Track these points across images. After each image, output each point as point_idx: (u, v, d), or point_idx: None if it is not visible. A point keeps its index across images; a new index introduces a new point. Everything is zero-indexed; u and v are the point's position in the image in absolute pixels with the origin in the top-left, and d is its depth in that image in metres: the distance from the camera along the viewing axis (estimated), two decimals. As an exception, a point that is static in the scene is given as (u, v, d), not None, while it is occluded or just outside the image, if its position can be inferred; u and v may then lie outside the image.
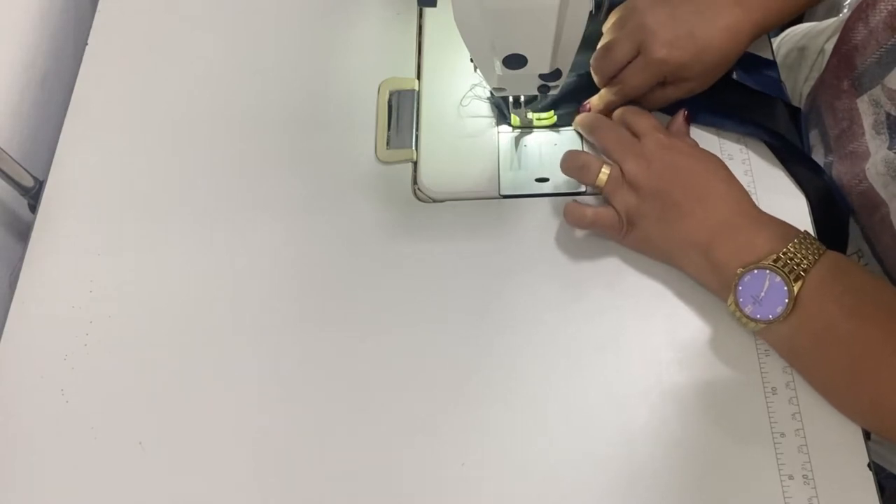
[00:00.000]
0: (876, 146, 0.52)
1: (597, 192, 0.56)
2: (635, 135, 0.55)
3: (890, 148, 0.50)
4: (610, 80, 0.57)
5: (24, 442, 0.52)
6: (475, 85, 0.62)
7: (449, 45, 0.63)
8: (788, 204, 0.55)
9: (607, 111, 0.58)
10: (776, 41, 0.76)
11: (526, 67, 0.48)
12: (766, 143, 0.57)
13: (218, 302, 0.56)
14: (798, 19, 0.84)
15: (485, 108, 0.61)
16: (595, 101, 0.58)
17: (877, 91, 0.51)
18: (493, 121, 0.60)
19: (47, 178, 0.62)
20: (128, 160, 0.62)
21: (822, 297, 0.47)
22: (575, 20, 0.45)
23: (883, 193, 0.52)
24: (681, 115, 0.56)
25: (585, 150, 0.58)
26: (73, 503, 0.51)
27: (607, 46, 0.55)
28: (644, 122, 0.55)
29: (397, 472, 0.50)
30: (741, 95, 0.58)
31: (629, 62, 0.55)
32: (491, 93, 0.61)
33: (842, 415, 0.48)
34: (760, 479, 0.47)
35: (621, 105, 0.57)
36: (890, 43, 0.49)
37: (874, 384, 0.46)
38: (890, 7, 0.49)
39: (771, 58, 0.61)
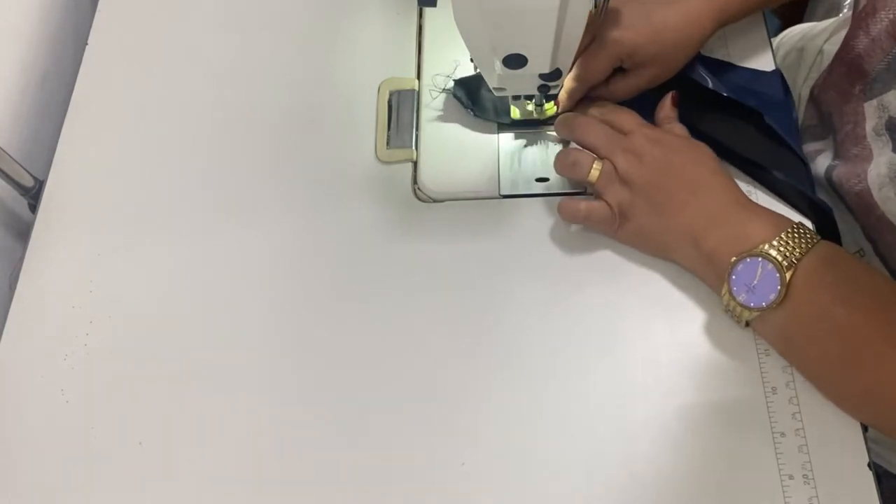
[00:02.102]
0: (879, 148, 0.52)
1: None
2: (620, 130, 0.55)
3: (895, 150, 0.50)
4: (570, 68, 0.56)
5: (25, 442, 0.52)
6: (437, 75, 0.62)
7: (449, 45, 0.63)
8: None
9: (573, 102, 0.58)
10: (775, 42, 0.76)
11: (526, 67, 0.48)
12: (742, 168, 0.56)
13: (218, 301, 0.56)
14: (797, 19, 0.84)
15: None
16: (562, 95, 0.57)
17: (889, 96, 0.50)
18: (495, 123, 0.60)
19: (47, 178, 0.61)
20: (128, 160, 0.62)
21: (815, 285, 0.47)
22: (575, 20, 0.45)
23: (876, 195, 0.52)
24: (668, 100, 0.56)
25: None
26: (73, 503, 0.51)
27: None
28: (628, 118, 0.55)
29: (397, 472, 0.50)
30: (711, 113, 0.57)
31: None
32: (454, 83, 0.61)
33: (842, 414, 0.48)
34: (760, 479, 0.47)
35: (583, 93, 0.57)
36: (895, 51, 0.49)
37: (867, 373, 0.46)
38: (891, 16, 0.49)
39: (772, 66, 0.60)
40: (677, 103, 0.56)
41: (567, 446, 0.49)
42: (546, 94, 0.54)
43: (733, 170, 0.56)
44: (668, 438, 0.49)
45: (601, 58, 0.54)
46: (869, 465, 0.47)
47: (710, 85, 0.57)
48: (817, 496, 0.47)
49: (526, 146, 0.60)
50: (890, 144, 0.51)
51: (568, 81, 0.57)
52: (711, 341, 0.51)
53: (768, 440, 0.48)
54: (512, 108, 0.59)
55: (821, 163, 0.60)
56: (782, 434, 0.48)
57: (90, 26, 0.68)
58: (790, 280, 0.47)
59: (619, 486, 0.48)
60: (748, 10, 0.56)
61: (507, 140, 0.60)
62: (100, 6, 0.69)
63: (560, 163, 0.55)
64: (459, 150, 0.60)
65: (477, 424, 0.50)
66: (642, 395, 0.50)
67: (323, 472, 0.50)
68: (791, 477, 0.47)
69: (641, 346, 0.52)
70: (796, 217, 0.54)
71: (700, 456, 0.48)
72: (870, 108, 0.53)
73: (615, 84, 0.57)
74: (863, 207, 0.54)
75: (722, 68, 0.59)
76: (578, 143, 0.56)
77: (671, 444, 0.49)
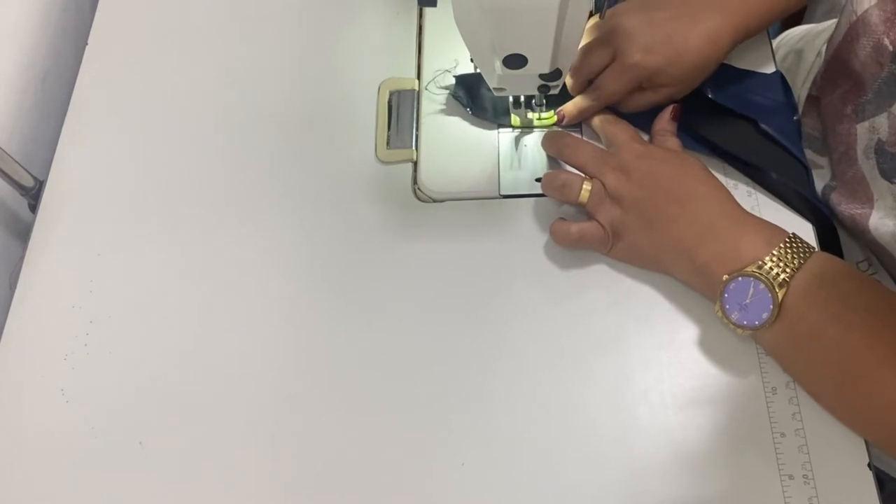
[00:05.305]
0: (868, 169, 0.52)
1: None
2: (611, 144, 0.55)
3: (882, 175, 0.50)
4: (586, 86, 0.56)
5: (25, 442, 0.52)
6: (438, 71, 0.62)
7: (449, 45, 0.63)
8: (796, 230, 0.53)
9: (582, 118, 0.57)
10: (774, 43, 0.76)
11: (526, 67, 0.48)
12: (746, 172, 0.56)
13: (217, 301, 0.56)
14: (797, 21, 0.84)
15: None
16: (569, 107, 0.57)
17: (881, 118, 0.50)
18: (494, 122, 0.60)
19: (47, 178, 0.62)
20: (128, 160, 0.62)
21: (808, 304, 0.46)
22: (575, 20, 0.45)
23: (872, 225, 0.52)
24: (667, 113, 0.56)
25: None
26: (73, 503, 0.51)
27: (583, 51, 0.55)
28: (620, 132, 0.55)
29: (397, 472, 0.50)
30: (718, 123, 0.57)
31: (605, 67, 0.55)
32: (455, 79, 0.61)
33: (841, 415, 0.48)
34: (760, 479, 0.47)
35: (597, 111, 0.57)
36: (883, 75, 0.49)
37: (859, 391, 0.46)
38: (873, 42, 0.49)
39: (773, 68, 0.60)
40: (677, 117, 0.56)
41: (567, 445, 0.49)
42: (546, 94, 0.54)
43: (735, 172, 0.56)
44: (668, 438, 0.49)
45: (622, 81, 0.54)
46: (869, 465, 0.47)
47: (710, 95, 0.56)
48: (817, 496, 0.47)
49: (526, 146, 0.60)
50: (876, 168, 0.50)
51: (582, 99, 0.56)
52: (711, 341, 0.51)
53: (768, 440, 0.48)
54: (512, 116, 0.59)
55: (818, 182, 0.59)
56: (782, 434, 0.48)
57: (90, 26, 0.68)
58: (783, 299, 0.46)
59: (619, 486, 0.48)
60: (763, 26, 0.56)
61: (506, 140, 0.60)
62: (100, 6, 0.69)
63: (548, 185, 0.55)
64: (459, 151, 0.60)
65: (477, 424, 0.50)
66: (642, 394, 0.50)
67: (323, 471, 0.50)
68: (791, 477, 0.47)
69: (641, 346, 0.52)
70: (797, 220, 0.54)
71: (700, 455, 0.48)
72: (862, 129, 0.52)
73: (631, 99, 0.56)
74: (858, 232, 0.54)
75: (723, 72, 0.59)
76: (566, 163, 0.56)
77: (671, 443, 0.49)
